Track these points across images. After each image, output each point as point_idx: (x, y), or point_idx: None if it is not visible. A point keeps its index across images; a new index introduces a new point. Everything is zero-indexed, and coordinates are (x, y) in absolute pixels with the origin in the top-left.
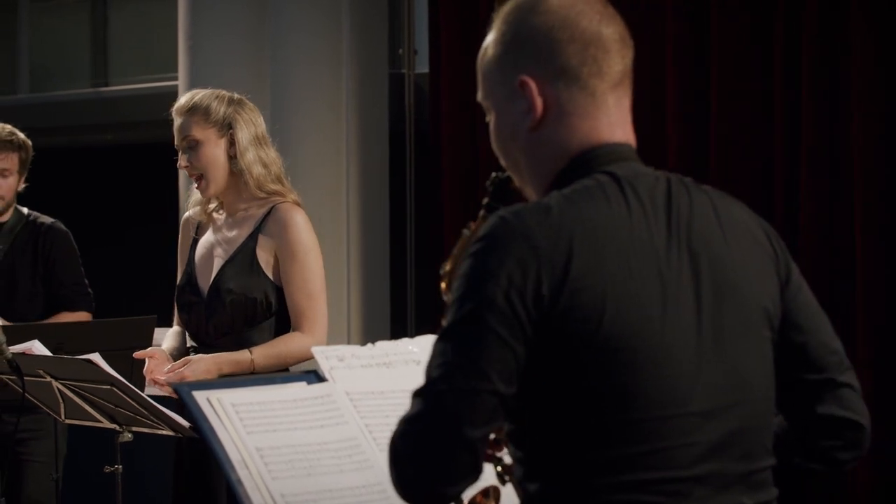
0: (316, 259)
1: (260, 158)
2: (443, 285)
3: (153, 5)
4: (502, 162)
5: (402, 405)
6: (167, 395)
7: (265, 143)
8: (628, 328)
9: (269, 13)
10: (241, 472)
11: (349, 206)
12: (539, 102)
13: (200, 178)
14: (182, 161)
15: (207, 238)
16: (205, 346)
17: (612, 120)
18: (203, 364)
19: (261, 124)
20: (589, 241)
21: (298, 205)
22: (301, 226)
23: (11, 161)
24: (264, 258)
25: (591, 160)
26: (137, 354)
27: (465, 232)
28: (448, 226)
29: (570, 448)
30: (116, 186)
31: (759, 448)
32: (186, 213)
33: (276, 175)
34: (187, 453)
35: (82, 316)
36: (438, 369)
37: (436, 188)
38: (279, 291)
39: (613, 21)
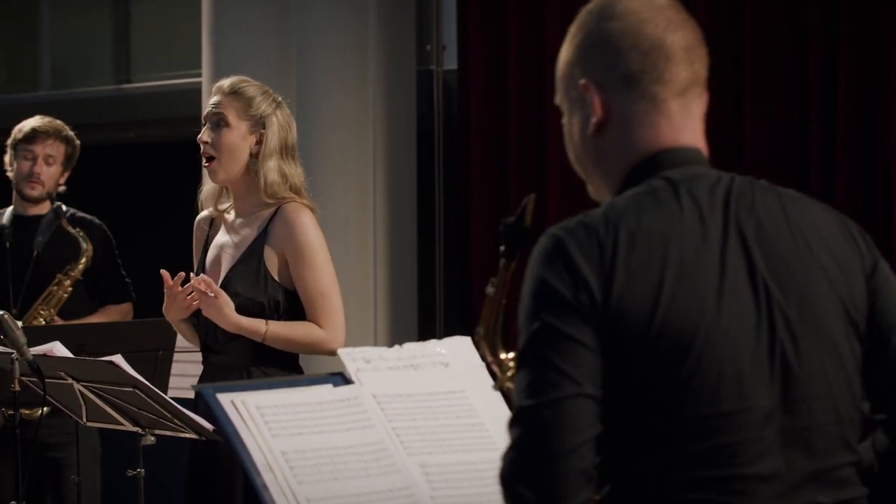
0: (324, 257)
1: (279, 168)
2: (481, 350)
3: (176, 1)
4: (574, 165)
5: (429, 408)
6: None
7: (291, 155)
8: (681, 325)
9: (294, 8)
10: (266, 476)
11: (376, 205)
12: (599, 108)
13: (212, 159)
14: (204, 135)
15: (218, 240)
16: (213, 353)
17: (676, 126)
18: (224, 312)
19: (293, 136)
20: (636, 244)
21: (309, 207)
22: (306, 225)
23: (58, 149)
24: (271, 260)
25: (653, 166)
26: (165, 273)
27: (490, 290)
28: (477, 225)
29: (633, 449)
30: (139, 185)
31: (833, 444)
32: (199, 216)
33: (292, 186)
34: (200, 454)
35: (125, 308)
36: (527, 390)
37: (465, 187)
38: (287, 293)
39: (682, 28)
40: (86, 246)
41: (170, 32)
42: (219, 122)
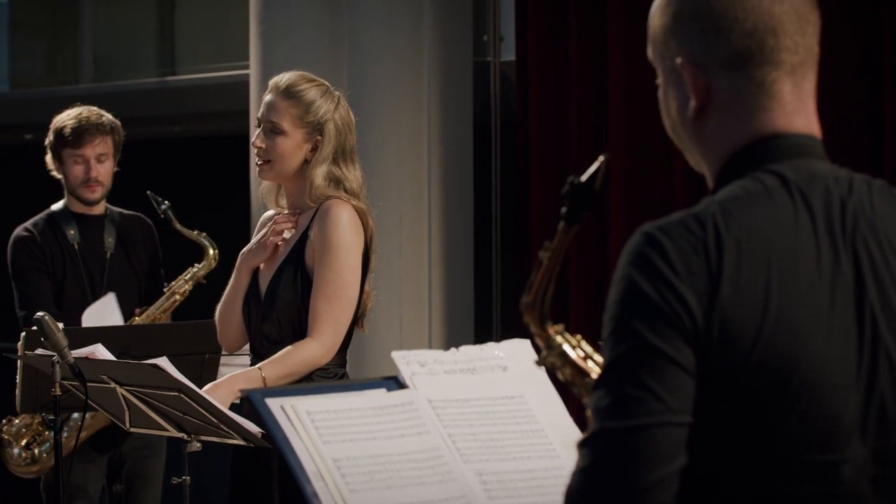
0: (346, 260)
1: (329, 174)
2: (526, 319)
3: None
4: (668, 133)
5: (487, 414)
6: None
7: (350, 158)
8: (781, 360)
9: None
10: (317, 485)
11: (431, 201)
12: (700, 93)
13: (266, 161)
14: (257, 140)
15: None
16: (259, 357)
17: (788, 109)
18: (217, 392)
19: (352, 138)
20: (744, 254)
21: (355, 207)
22: (340, 222)
23: (107, 145)
24: (311, 259)
25: (763, 151)
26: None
27: (544, 255)
28: (536, 222)
29: (711, 485)
30: (184, 181)
31: None
32: (265, 213)
33: (347, 189)
34: (244, 460)
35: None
36: (610, 409)
37: (523, 182)
38: None
39: None
40: (213, 250)
41: (216, 23)
42: (273, 128)
